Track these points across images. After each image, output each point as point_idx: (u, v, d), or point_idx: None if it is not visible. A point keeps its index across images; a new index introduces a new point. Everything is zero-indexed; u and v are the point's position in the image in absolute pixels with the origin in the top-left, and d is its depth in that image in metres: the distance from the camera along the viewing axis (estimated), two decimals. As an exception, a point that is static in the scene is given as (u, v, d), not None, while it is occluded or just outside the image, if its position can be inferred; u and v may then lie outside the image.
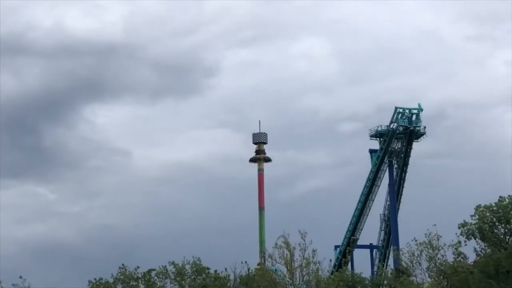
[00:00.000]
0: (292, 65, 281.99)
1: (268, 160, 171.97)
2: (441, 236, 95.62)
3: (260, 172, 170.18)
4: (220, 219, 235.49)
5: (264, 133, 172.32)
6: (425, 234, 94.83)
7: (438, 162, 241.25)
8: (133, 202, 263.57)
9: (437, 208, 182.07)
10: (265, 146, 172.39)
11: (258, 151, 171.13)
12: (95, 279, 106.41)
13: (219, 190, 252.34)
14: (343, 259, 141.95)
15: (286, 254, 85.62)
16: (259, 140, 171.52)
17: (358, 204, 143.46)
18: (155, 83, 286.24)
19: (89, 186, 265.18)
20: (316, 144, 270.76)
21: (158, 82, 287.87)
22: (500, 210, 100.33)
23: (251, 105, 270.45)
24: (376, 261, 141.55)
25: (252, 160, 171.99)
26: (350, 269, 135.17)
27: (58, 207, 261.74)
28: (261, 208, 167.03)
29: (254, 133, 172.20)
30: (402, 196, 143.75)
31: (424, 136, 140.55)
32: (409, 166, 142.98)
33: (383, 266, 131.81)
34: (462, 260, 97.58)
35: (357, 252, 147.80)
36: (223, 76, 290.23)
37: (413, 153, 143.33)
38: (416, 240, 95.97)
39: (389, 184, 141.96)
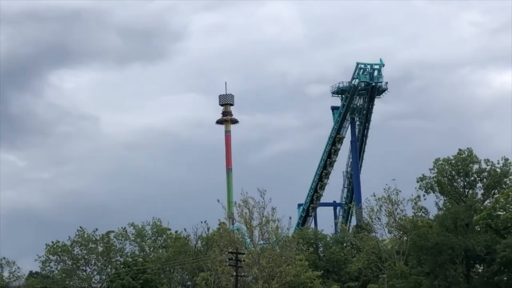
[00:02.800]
0: (260, 28, 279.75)
1: (235, 121, 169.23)
2: (400, 191, 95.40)
3: (227, 133, 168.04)
4: (189, 182, 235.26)
5: (231, 94, 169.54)
6: (384, 189, 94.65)
7: (404, 123, 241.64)
8: (103, 167, 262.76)
9: (401, 166, 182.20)
10: (233, 110, 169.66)
11: (225, 113, 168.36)
12: (52, 242, 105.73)
13: (188, 154, 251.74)
14: (307, 217, 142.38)
15: (245, 213, 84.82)
16: (226, 101, 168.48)
17: (320, 162, 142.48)
18: (122, 48, 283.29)
19: (58, 153, 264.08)
20: (285, 107, 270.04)
21: (125, 47, 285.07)
22: (459, 163, 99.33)
23: (219, 70, 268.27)
24: (340, 219, 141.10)
25: (219, 121, 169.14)
26: (313, 227, 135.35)
27: (27, 174, 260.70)
28: (228, 170, 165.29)
29: (221, 95, 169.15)
30: (365, 153, 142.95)
31: (386, 92, 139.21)
32: (372, 124, 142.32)
33: (345, 223, 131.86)
34: (423, 214, 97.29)
35: (321, 210, 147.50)
36: (190, 40, 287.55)
37: (379, 113, 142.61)
38: (375, 196, 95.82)
39: (351, 141, 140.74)
